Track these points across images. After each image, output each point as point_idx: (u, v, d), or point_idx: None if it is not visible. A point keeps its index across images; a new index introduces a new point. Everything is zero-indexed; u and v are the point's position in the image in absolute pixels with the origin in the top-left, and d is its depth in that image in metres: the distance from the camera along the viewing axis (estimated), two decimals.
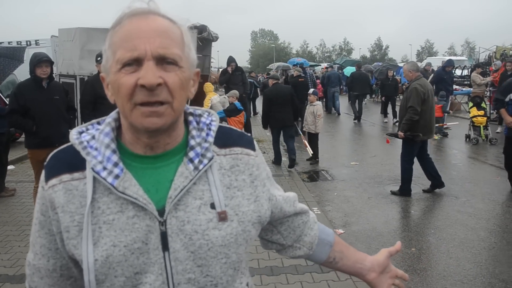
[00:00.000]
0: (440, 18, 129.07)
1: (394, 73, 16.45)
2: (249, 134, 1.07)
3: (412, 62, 6.51)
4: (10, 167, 6.74)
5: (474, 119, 9.66)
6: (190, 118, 0.98)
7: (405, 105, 5.56)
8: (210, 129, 0.97)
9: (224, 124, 1.05)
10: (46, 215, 0.92)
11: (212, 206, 0.92)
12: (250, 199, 0.97)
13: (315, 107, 7.90)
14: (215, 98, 8.82)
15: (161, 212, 0.88)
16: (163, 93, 0.83)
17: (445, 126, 10.89)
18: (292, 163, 7.44)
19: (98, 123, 0.97)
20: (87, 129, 0.95)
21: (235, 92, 8.39)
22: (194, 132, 0.95)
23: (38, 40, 13.14)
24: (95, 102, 4.74)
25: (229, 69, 9.23)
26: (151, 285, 0.88)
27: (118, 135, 0.94)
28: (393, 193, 6.03)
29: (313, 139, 8.08)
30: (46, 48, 11.22)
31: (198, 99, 8.84)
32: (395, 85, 14.25)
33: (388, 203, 5.69)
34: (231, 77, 9.24)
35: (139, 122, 0.84)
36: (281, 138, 7.72)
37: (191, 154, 0.93)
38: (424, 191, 6.06)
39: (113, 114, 0.95)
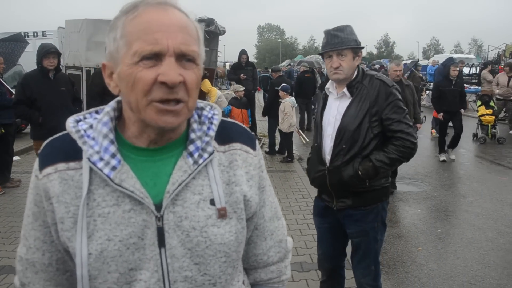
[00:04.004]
0: (446, 15, 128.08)
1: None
2: (253, 133, 1.03)
3: (396, 60, 6.94)
4: (15, 158, 6.75)
5: (482, 117, 9.54)
6: None
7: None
8: (211, 123, 0.93)
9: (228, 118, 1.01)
10: (40, 206, 0.88)
11: (212, 202, 0.88)
12: (246, 196, 0.94)
13: None
14: (220, 93, 8.83)
15: (159, 206, 0.85)
16: (181, 92, 0.81)
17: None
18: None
19: (97, 112, 0.93)
20: (85, 118, 0.92)
21: (239, 86, 8.42)
22: (195, 126, 0.92)
23: (45, 31, 13.16)
24: (103, 94, 4.73)
25: (242, 60, 9.15)
26: (146, 282, 0.85)
27: (118, 126, 0.91)
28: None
29: None
30: (53, 39, 11.19)
31: (201, 94, 8.77)
32: (461, 91, 7.57)
33: (394, 202, 5.64)
34: (242, 72, 9.17)
35: (154, 120, 0.81)
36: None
37: (191, 147, 0.89)
38: None
39: (112, 103, 0.92)
